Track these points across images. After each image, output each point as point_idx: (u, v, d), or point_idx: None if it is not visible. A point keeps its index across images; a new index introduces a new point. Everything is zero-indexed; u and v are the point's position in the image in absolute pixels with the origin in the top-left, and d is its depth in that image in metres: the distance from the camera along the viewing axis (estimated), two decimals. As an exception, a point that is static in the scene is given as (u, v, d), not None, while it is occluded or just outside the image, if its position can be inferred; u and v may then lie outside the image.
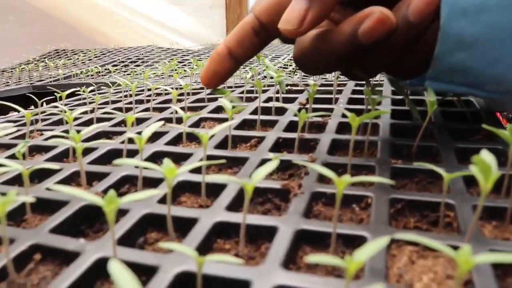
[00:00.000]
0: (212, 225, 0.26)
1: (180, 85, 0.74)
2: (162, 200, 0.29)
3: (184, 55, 1.56)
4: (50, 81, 1.18)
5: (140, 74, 1.18)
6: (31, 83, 1.17)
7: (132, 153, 0.40)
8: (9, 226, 0.28)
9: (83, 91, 0.67)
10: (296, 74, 1.00)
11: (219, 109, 0.56)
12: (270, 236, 0.24)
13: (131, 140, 0.40)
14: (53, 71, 1.38)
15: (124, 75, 1.18)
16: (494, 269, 0.20)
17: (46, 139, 0.47)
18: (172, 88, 0.60)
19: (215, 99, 0.62)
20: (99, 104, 0.67)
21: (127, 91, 0.76)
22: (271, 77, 0.63)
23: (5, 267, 0.23)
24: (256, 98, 0.60)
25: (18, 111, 0.48)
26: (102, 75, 1.23)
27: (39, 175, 0.36)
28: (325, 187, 0.29)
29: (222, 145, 0.41)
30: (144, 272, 0.22)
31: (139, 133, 0.36)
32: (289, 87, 0.68)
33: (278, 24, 0.30)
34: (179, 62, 1.37)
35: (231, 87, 0.73)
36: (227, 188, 0.30)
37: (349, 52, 0.30)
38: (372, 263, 0.21)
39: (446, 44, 0.30)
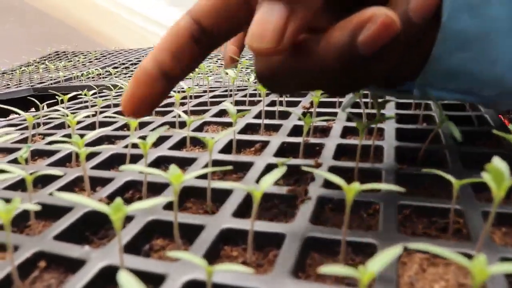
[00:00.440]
0: (219, 232, 0.25)
1: (183, 88, 0.73)
2: (168, 206, 0.29)
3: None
4: (51, 84, 1.18)
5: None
6: (31, 86, 1.16)
7: (135, 158, 0.40)
8: (12, 232, 0.27)
9: (85, 95, 0.67)
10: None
11: (222, 113, 0.56)
12: (278, 243, 0.24)
13: (134, 144, 0.40)
14: (53, 73, 1.38)
15: (125, 77, 1.18)
16: (506, 277, 0.20)
17: (48, 143, 0.47)
18: (175, 91, 0.60)
19: (218, 103, 0.62)
20: (100, 108, 0.67)
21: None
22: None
23: (10, 275, 0.23)
24: (259, 101, 0.60)
25: (19, 114, 0.48)
26: (103, 78, 1.22)
27: (42, 180, 0.35)
28: (332, 192, 0.29)
29: (226, 149, 0.41)
30: (152, 280, 0.21)
31: (142, 137, 0.35)
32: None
33: (246, 40, 0.22)
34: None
35: (232, 90, 0.73)
36: (233, 194, 0.30)
37: (342, 66, 0.23)
38: (383, 271, 0.20)
39: (445, 44, 0.27)
